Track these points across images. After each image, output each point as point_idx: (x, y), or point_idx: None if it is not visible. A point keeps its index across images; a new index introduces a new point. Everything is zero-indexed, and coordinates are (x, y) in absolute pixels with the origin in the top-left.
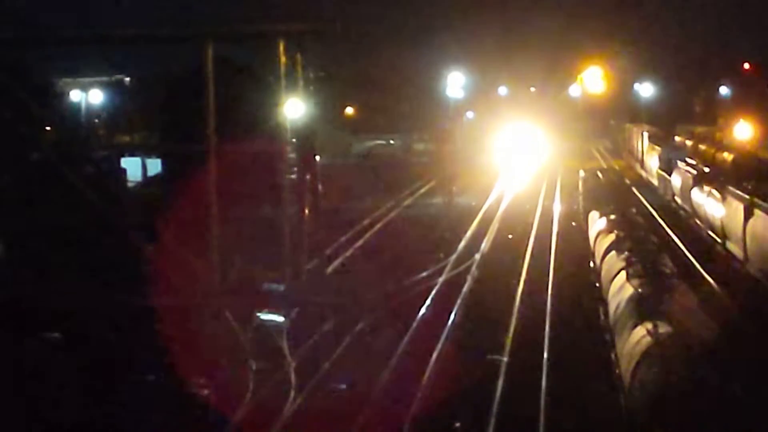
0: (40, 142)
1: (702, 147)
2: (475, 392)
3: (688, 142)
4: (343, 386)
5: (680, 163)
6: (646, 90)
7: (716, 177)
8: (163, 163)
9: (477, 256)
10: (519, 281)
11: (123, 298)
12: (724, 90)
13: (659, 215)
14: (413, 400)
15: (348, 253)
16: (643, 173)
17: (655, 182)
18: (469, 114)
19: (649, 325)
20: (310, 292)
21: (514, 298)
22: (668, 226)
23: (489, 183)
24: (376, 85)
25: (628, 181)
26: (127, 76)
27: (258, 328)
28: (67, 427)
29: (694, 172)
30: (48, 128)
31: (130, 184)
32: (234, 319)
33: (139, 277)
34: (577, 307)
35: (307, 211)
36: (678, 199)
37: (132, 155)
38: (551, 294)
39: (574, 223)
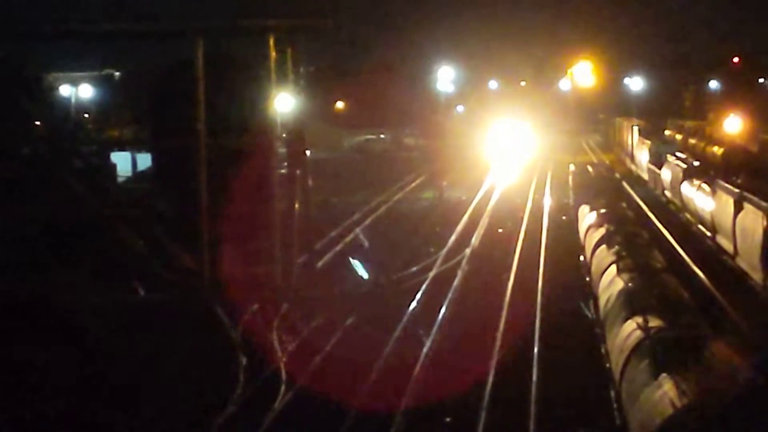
0: (30, 137)
1: (692, 141)
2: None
3: (678, 136)
4: None
5: (670, 157)
6: (636, 84)
7: (706, 171)
8: (153, 158)
9: (467, 251)
10: (510, 276)
11: (114, 292)
12: (714, 84)
13: (649, 209)
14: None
15: (338, 248)
16: (633, 167)
17: (645, 176)
18: (460, 108)
19: (640, 319)
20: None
21: (504, 293)
22: (658, 220)
23: (479, 177)
24: (366, 79)
25: (618, 175)
26: (117, 71)
27: None
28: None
29: (684, 166)
30: (38, 123)
31: (120, 179)
32: None
33: (129, 271)
34: (567, 302)
35: (297, 205)
36: (668, 193)
37: (122, 150)
38: (541, 292)
39: (564, 217)
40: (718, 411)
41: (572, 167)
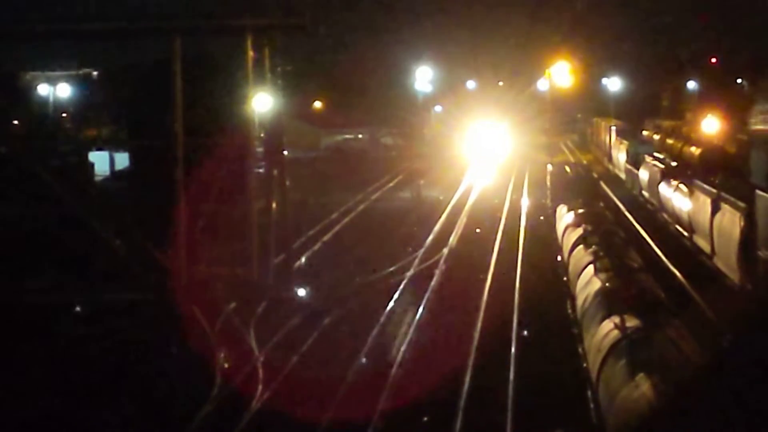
0: (7, 135)
1: (670, 141)
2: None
3: (656, 137)
4: None
5: (648, 158)
6: (613, 84)
7: (684, 171)
8: (130, 157)
9: (445, 251)
10: (487, 276)
11: (90, 292)
12: (691, 84)
13: (627, 209)
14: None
15: (316, 248)
16: (611, 167)
17: (623, 176)
18: (438, 108)
19: (617, 319)
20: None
21: (482, 292)
22: (636, 220)
23: (457, 177)
24: (344, 79)
25: (595, 176)
26: (95, 70)
27: None
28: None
29: (662, 166)
30: (15, 122)
31: (98, 178)
32: None
33: (106, 270)
34: (544, 301)
35: (274, 205)
36: (645, 193)
37: (100, 149)
38: (518, 289)
39: (542, 217)
40: (695, 410)
41: (550, 167)
